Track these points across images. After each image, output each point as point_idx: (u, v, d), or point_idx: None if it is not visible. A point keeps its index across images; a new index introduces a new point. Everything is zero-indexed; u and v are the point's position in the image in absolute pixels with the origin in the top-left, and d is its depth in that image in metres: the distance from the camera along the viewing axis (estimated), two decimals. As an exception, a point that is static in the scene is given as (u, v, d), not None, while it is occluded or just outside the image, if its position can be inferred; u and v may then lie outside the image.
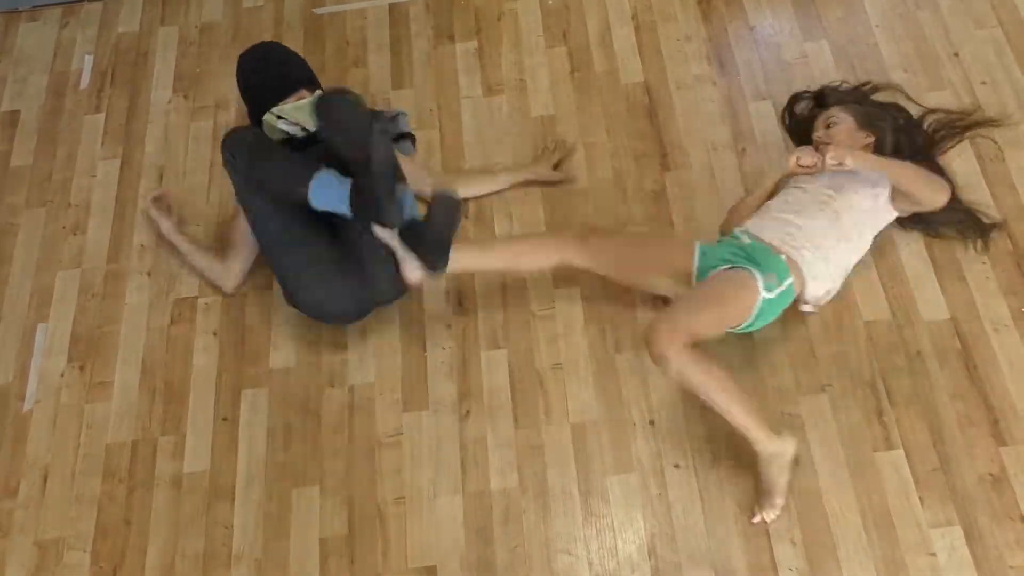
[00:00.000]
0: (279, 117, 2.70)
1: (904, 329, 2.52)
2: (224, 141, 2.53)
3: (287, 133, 2.71)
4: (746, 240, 2.43)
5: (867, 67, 2.98)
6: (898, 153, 2.58)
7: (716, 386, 2.20)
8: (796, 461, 2.29)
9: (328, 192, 2.35)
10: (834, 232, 2.42)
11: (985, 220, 2.63)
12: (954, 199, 2.57)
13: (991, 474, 2.31)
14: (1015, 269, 2.58)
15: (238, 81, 2.88)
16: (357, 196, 2.32)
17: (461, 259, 2.44)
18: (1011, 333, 2.49)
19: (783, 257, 2.36)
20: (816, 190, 2.49)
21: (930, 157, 2.67)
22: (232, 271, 2.77)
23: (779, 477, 2.25)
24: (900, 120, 2.70)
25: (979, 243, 2.61)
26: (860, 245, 2.48)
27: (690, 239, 2.49)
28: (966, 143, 2.79)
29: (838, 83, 2.87)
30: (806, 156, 2.46)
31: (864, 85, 2.85)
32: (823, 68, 3.01)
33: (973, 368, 2.45)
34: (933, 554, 2.23)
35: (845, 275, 2.48)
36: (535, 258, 2.52)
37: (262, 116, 2.74)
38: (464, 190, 2.78)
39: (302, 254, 2.48)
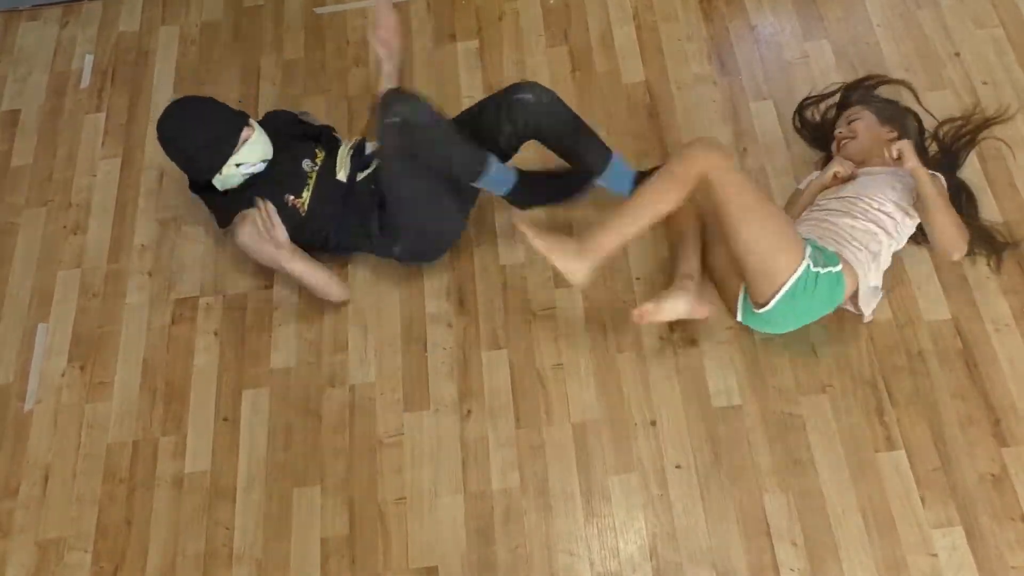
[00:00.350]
0: (238, 165, 2.62)
1: (905, 329, 2.52)
2: (396, 106, 2.36)
3: (252, 174, 2.66)
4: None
5: (868, 67, 2.98)
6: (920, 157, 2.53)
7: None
8: None
9: (496, 179, 2.54)
10: (879, 232, 2.42)
11: (999, 238, 2.60)
12: (973, 216, 2.59)
13: (992, 474, 2.31)
14: (1016, 268, 2.58)
15: (175, 152, 2.65)
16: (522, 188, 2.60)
17: (618, 234, 2.35)
18: (1012, 333, 2.49)
19: (834, 251, 2.36)
20: (847, 200, 2.48)
21: (950, 170, 2.66)
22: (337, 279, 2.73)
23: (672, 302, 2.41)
24: (919, 123, 2.71)
25: (992, 260, 2.60)
26: (899, 240, 2.48)
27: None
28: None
29: (840, 84, 2.86)
30: (845, 167, 2.53)
31: (870, 79, 2.84)
32: (824, 68, 3.01)
33: (974, 367, 2.45)
34: (934, 554, 2.23)
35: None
36: (678, 188, 2.31)
37: (211, 177, 2.64)
38: None
39: (438, 199, 2.58)
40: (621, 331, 2.61)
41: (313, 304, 2.75)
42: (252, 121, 2.66)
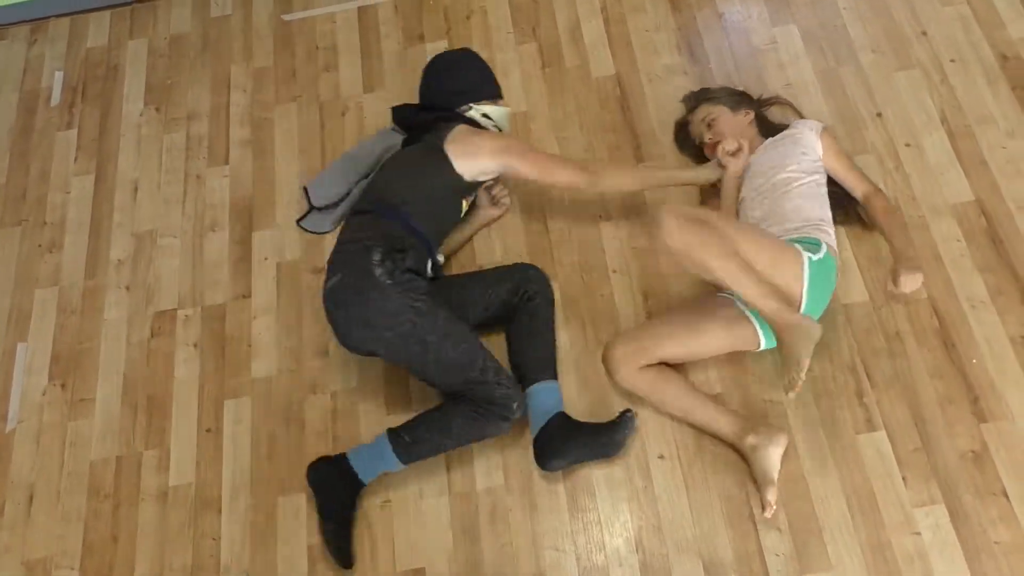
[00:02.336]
0: (486, 116, 2.67)
1: (882, 310, 2.53)
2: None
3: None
4: None
5: (836, 49, 2.99)
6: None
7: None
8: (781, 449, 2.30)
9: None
10: (816, 197, 2.46)
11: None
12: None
13: (972, 451, 2.32)
14: (990, 246, 2.59)
15: (447, 71, 2.69)
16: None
17: (727, 418, 2.37)
18: (988, 310, 2.49)
19: (806, 236, 2.38)
20: (767, 184, 2.50)
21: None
22: None
23: (764, 466, 2.27)
24: (753, 99, 2.78)
25: (858, 212, 2.62)
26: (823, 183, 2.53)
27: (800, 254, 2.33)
28: (936, 121, 2.80)
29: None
30: (728, 144, 2.59)
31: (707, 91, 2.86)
32: (793, 53, 3.01)
33: (951, 346, 2.46)
34: (918, 533, 2.24)
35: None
36: (668, 382, 2.41)
37: (460, 105, 2.65)
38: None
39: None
40: (600, 325, 2.61)
41: (292, 311, 2.74)
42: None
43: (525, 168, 2.50)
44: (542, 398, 2.42)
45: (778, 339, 2.22)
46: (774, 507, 2.26)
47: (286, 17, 3.39)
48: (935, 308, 2.52)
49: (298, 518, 2.44)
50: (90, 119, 3.24)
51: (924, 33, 2.99)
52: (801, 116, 2.81)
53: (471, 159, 2.48)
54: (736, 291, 2.22)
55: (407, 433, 2.34)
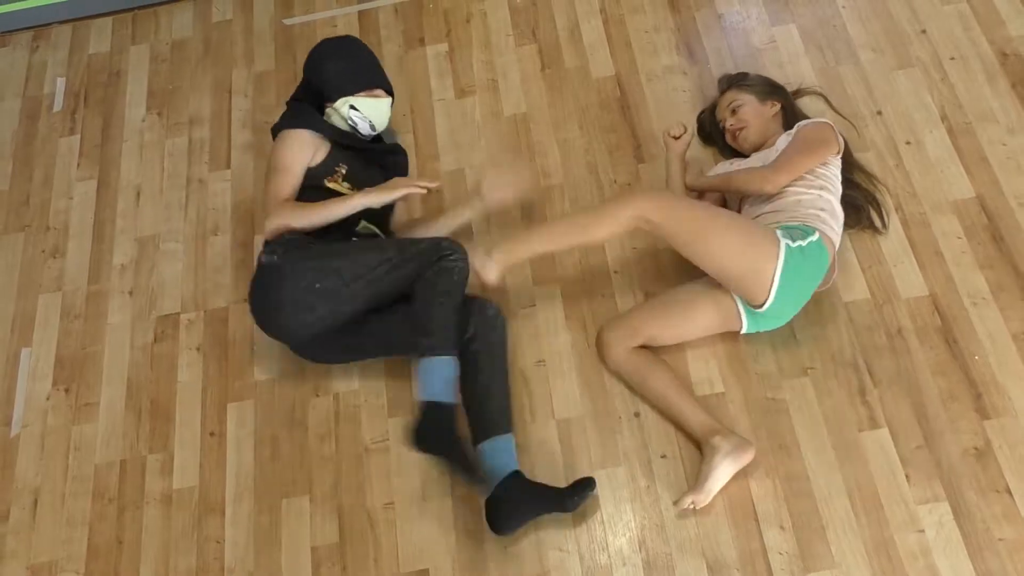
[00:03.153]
0: (353, 108, 2.66)
1: (884, 307, 2.53)
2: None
3: (353, 125, 2.68)
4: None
5: (836, 48, 2.99)
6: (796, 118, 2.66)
7: None
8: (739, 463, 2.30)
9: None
10: (822, 192, 2.44)
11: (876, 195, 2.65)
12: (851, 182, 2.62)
13: (976, 448, 2.31)
14: (991, 242, 2.59)
15: (315, 62, 2.71)
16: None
17: (531, 246, 2.40)
18: (989, 306, 2.49)
19: (798, 223, 2.38)
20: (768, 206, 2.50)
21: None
22: None
23: (715, 468, 2.26)
24: (789, 95, 2.75)
25: (879, 220, 2.62)
26: (836, 189, 2.50)
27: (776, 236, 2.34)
28: (936, 119, 2.80)
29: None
30: (674, 129, 2.64)
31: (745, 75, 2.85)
32: (792, 52, 3.01)
33: (954, 343, 2.46)
34: (921, 531, 2.23)
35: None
36: (608, 224, 2.33)
37: (327, 100, 2.68)
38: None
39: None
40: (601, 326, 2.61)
41: (294, 314, 2.75)
42: (390, 98, 2.76)
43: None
44: (496, 458, 2.33)
45: (703, 451, 2.30)
46: (688, 507, 2.27)
47: (287, 21, 3.40)
48: (937, 305, 2.51)
49: (302, 520, 2.44)
50: (92, 125, 3.25)
51: (923, 31, 2.99)
52: (833, 108, 2.80)
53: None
54: (669, 411, 2.38)
55: (422, 339, 2.31)
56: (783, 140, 2.55)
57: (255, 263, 2.53)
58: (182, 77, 3.32)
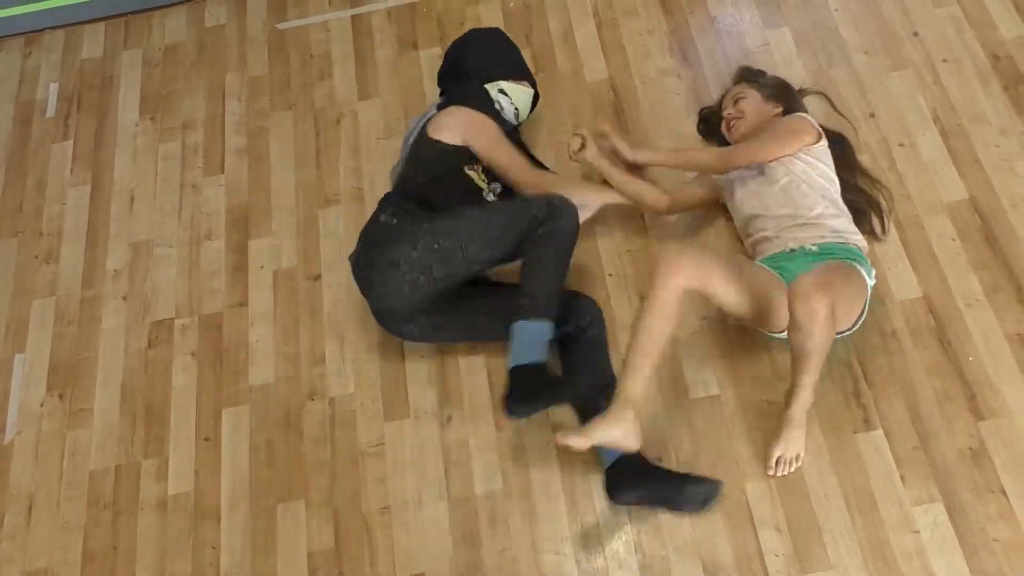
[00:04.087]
0: (502, 92, 2.74)
1: (877, 309, 2.53)
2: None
3: (500, 109, 2.73)
4: (811, 248, 2.40)
5: (829, 51, 3.00)
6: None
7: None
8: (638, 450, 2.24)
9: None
10: (822, 192, 2.46)
11: (880, 200, 2.65)
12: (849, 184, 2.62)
13: (970, 448, 2.32)
14: (984, 244, 2.59)
15: (475, 43, 2.81)
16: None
17: (638, 384, 2.21)
18: (983, 307, 2.50)
19: (848, 244, 2.40)
20: (761, 178, 2.51)
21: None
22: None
23: (606, 429, 2.18)
24: (796, 98, 2.73)
25: (880, 224, 2.62)
26: (832, 182, 2.52)
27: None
28: (929, 121, 2.81)
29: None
30: (572, 143, 2.70)
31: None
32: (785, 55, 3.02)
33: (948, 344, 2.46)
34: (917, 531, 2.24)
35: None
36: (672, 317, 2.25)
37: (483, 82, 2.74)
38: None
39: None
40: (596, 328, 2.61)
41: (289, 318, 2.75)
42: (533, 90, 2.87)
43: (480, 144, 2.59)
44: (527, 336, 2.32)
45: (613, 405, 2.20)
46: (561, 443, 2.18)
47: (280, 26, 3.40)
48: (931, 307, 2.52)
49: (297, 525, 2.44)
50: (86, 130, 3.25)
51: (916, 34, 3.00)
52: (835, 108, 2.79)
53: (443, 128, 2.61)
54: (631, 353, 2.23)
55: (523, 299, 2.32)
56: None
57: (369, 225, 2.51)
58: (175, 81, 3.32)
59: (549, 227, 2.35)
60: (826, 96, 2.80)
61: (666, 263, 2.24)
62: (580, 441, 2.16)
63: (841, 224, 2.44)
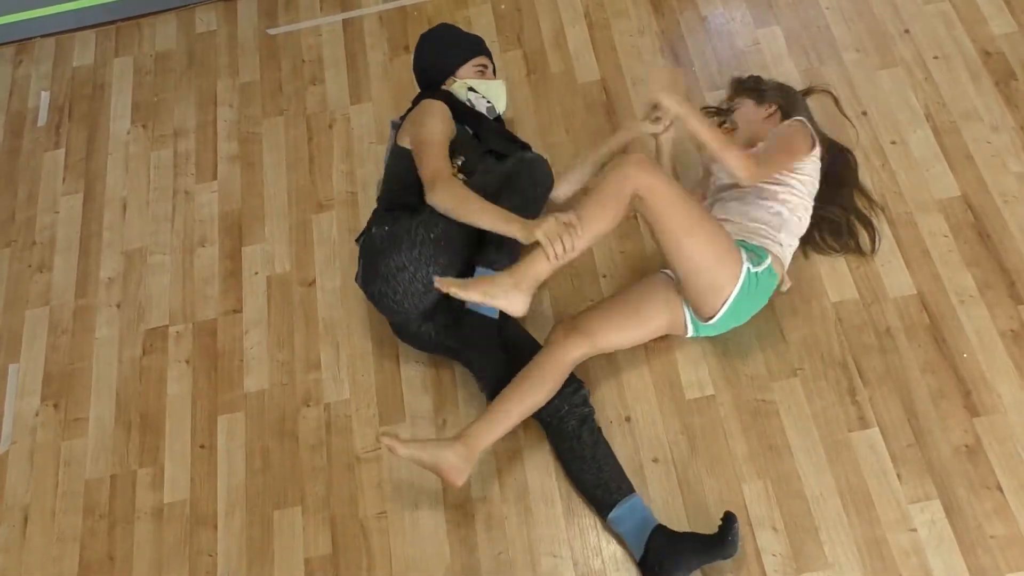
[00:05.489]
0: (471, 90, 2.70)
1: (872, 307, 2.54)
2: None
3: (472, 105, 2.68)
4: None
5: (820, 50, 3.00)
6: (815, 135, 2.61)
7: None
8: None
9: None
10: (782, 209, 2.44)
11: (870, 218, 2.64)
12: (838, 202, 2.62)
13: (966, 445, 2.32)
14: (977, 240, 2.59)
15: (421, 51, 2.78)
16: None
17: (543, 265, 2.21)
18: (977, 304, 2.50)
19: (756, 244, 2.38)
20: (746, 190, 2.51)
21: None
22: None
23: (440, 452, 2.20)
24: (802, 102, 2.69)
25: (871, 242, 2.61)
26: (804, 195, 2.49)
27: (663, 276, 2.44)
28: (921, 118, 2.81)
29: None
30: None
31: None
32: (776, 54, 3.02)
33: (942, 341, 2.46)
34: (914, 529, 2.24)
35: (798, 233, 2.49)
36: (547, 385, 2.30)
37: (444, 81, 2.72)
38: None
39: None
40: (591, 330, 2.61)
41: (283, 325, 2.75)
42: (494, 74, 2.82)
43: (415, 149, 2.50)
44: (631, 518, 2.28)
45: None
46: (385, 440, 2.20)
47: (271, 31, 3.39)
48: (924, 304, 2.52)
49: (294, 532, 2.44)
50: (77, 138, 3.24)
51: (907, 31, 3.00)
52: (839, 107, 2.76)
53: (404, 135, 2.55)
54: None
55: (489, 256, 2.37)
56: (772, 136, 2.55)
57: (363, 241, 2.48)
58: (166, 89, 3.32)
59: (528, 178, 2.38)
60: (832, 94, 2.78)
61: (554, 343, 2.34)
62: (400, 447, 2.19)
63: (769, 225, 2.42)
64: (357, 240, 2.57)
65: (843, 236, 2.61)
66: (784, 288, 2.51)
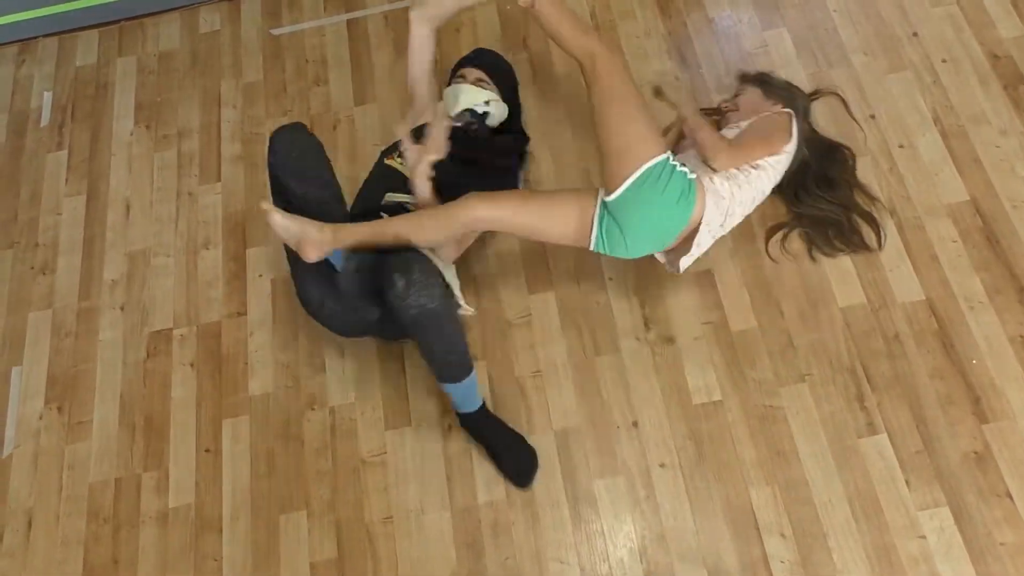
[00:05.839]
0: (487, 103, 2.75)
1: (880, 312, 2.52)
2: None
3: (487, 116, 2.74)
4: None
5: (827, 53, 2.98)
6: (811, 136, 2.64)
7: None
8: None
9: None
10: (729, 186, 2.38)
11: (872, 213, 2.63)
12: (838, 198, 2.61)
13: (975, 452, 2.31)
14: (986, 245, 2.58)
15: None
16: None
17: (355, 233, 2.32)
18: (986, 309, 2.49)
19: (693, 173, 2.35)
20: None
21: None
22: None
23: (304, 227, 2.29)
24: (807, 108, 2.68)
25: (876, 239, 2.59)
26: (769, 176, 2.46)
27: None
28: (929, 122, 2.80)
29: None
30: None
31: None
32: (784, 56, 3.01)
33: (951, 347, 2.45)
34: (923, 536, 2.23)
35: (731, 223, 2.43)
36: (434, 223, 2.35)
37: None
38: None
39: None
40: (598, 334, 2.60)
41: (288, 327, 2.73)
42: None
43: None
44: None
45: None
46: (265, 207, 2.28)
47: (275, 31, 3.38)
48: (933, 309, 2.51)
49: (300, 536, 2.42)
50: (80, 139, 3.22)
51: (915, 34, 2.99)
52: (848, 110, 2.78)
53: None
54: None
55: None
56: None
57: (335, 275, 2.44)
58: (170, 89, 3.30)
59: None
60: (840, 97, 2.76)
61: (463, 199, 2.34)
62: (277, 215, 2.27)
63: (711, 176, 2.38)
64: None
65: (847, 234, 2.60)
66: (678, 270, 2.44)
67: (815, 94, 2.76)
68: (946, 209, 2.65)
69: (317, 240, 2.29)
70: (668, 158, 2.28)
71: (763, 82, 2.69)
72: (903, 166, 2.74)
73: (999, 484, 2.26)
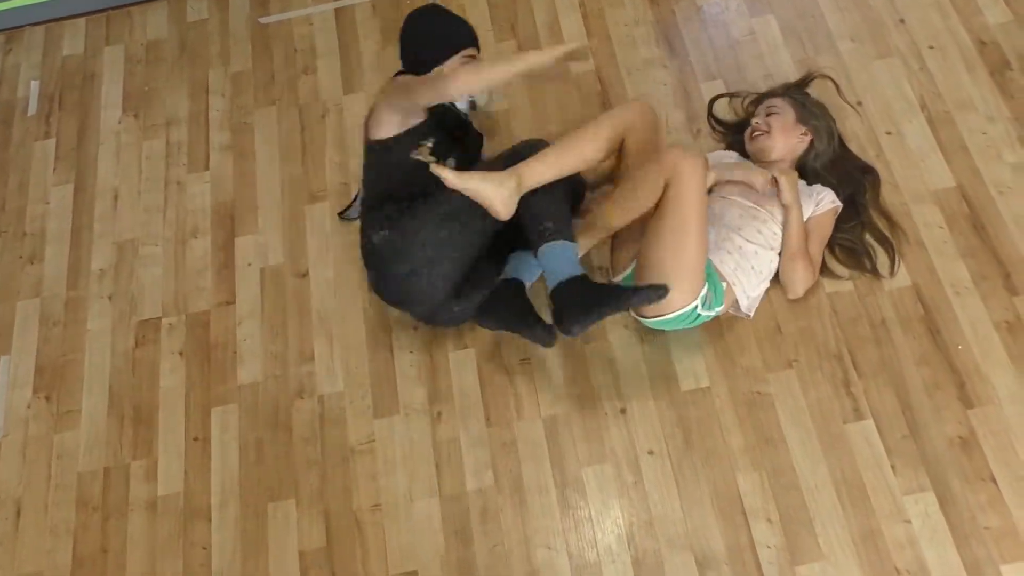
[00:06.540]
0: None
1: (867, 299, 2.53)
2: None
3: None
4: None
5: (815, 39, 2.99)
6: (820, 166, 2.64)
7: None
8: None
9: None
10: (765, 247, 2.47)
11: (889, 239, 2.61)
12: (853, 221, 2.61)
13: (960, 437, 2.32)
14: (972, 231, 2.59)
15: (409, 35, 2.69)
16: None
17: (533, 175, 2.31)
18: (972, 295, 2.50)
19: (725, 285, 2.40)
20: (752, 211, 2.52)
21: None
22: None
23: (487, 183, 2.26)
24: (834, 132, 2.67)
25: (885, 270, 2.57)
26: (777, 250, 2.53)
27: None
28: (916, 108, 2.81)
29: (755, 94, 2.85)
30: (760, 182, 2.50)
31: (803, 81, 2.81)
32: (771, 43, 3.01)
33: (937, 333, 2.46)
34: (908, 521, 2.24)
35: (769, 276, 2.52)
36: (597, 141, 2.41)
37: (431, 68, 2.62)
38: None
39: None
40: (602, 326, 2.58)
41: (277, 316, 2.73)
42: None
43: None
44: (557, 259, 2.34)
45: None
46: (437, 169, 2.22)
47: (263, 20, 3.36)
48: (919, 295, 2.52)
49: (288, 524, 2.43)
50: (68, 128, 3.21)
51: (902, 21, 2.99)
52: (840, 94, 2.77)
53: (378, 125, 2.51)
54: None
55: (546, 224, 2.34)
56: (806, 191, 2.58)
57: (366, 249, 2.47)
58: (158, 78, 3.29)
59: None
60: (832, 80, 2.76)
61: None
62: (453, 178, 2.22)
63: (744, 266, 2.45)
64: (340, 215, 2.61)
65: (859, 255, 2.56)
66: (748, 317, 2.53)
67: (807, 78, 2.76)
68: (932, 195, 2.66)
69: (505, 195, 2.25)
70: (696, 307, 2.33)
71: (802, 105, 2.65)
72: (890, 153, 2.74)
73: (984, 469, 2.28)
